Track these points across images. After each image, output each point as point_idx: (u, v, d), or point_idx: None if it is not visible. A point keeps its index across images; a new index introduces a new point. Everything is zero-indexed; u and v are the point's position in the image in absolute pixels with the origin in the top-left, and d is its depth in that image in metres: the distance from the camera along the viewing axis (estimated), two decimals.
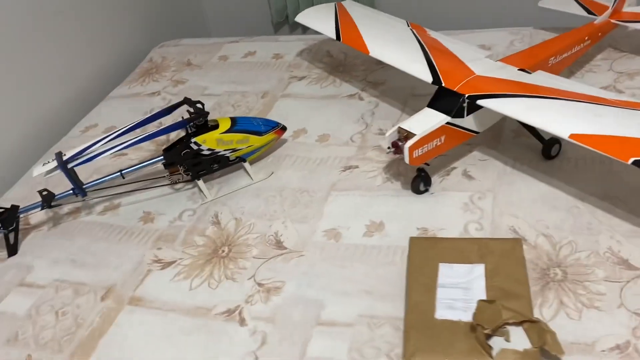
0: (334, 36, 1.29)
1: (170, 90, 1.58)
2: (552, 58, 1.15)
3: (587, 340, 0.77)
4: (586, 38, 1.22)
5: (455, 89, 1.03)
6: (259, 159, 1.25)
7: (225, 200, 1.16)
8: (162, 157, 1.14)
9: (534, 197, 1.02)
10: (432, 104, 1.04)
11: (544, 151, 1.09)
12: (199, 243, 1.06)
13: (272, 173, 1.21)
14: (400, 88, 1.39)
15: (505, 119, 1.11)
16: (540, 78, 1.04)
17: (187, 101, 1.14)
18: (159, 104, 1.52)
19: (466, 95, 1.01)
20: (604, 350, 0.75)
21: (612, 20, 1.26)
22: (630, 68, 1.28)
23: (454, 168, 1.12)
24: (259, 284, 0.95)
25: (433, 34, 1.26)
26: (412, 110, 1.31)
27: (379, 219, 1.04)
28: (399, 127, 1.01)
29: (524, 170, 1.09)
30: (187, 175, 1.17)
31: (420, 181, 1.07)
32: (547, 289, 0.85)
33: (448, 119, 1.01)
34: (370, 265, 0.95)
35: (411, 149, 0.98)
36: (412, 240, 0.90)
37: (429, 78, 1.07)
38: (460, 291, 0.78)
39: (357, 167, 1.18)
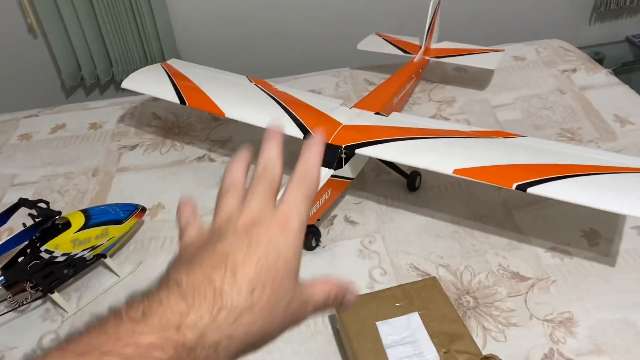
0: (176, 100, 1.19)
1: None
2: (395, 98, 1.24)
3: (521, 358, 0.83)
4: (412, 76, 1.34)
5: (329, 142, 1.03)
6: (119, 249, 1.07)
7: (93, 308, 0.97)
8: (1, 277, 0.90)
9: (417, 230, 1.08)
10: None
11: (408, 184, 1.16)
12: None
13: (141, 263, 1.05)
14: (249, 142, 1.34)
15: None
16: (398, 119, 1.11)
17: (23, 203, 0.92)
18: None
19: (343, 147, 1.02)
20: None
21: (427, 57, 1.42)
22: (445, 96, 1.45)
23: (335, 216, 1.12)
24: None
25: (278, 86, 1.25)
26: None
27: None
28: None
29: (396, 205, 1.14)
30: (36, 291, 0.94)
31: (312, 237, 1.04)
32: (467, 317, 0.90)
33: (331, 172, 1.00)
34: (297, 342, 0.88)
35: None
36: None
37: (299, 134, 1.06)
38: (409, 347, 0.77)
39: None
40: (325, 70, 1.64)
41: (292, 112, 1.10)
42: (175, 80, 1.23)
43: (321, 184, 0.98)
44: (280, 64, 1.97)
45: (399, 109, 1.28)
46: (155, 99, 1.50)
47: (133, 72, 1.32)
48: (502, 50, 1.45)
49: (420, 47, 1.42)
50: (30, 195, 1.23)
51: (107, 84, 1.97)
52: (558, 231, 1.04)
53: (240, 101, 1.16)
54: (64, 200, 1.21)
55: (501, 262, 0.99)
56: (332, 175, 1.00)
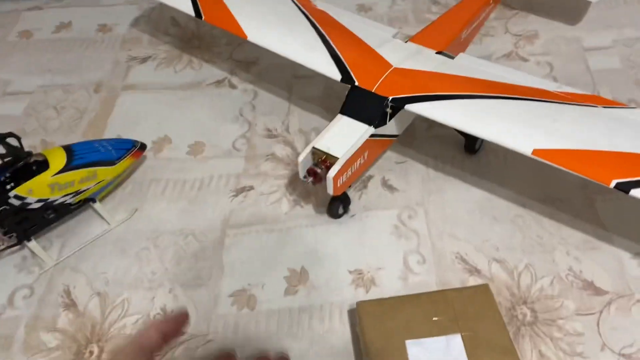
0: (191, 11, 0.96)
1: None
2: (464, 31, 0.98)
3: None
4: (490, 1, 1.06)
5: (373, 90, 0.80)
6: (113, 190, 0.92)
7: (77, 262, 0.83)
8: None
9: (469, 208, 0.87)
10: (348, 111, 0.81)
11: (466, 145, 0.93)
12: (50, 345, 0.74)
13: (137, 210, 0.89)
14: (278, 68, 1.12)
15: None
16: (466, 64, 0.86)
17: None
18: None
19: (390, 98, 0.79)
20: None
21: None
22: (526, 29, 1.17)
23: (371, 177, 0.92)
24: None
25: (319, 4, 0.99)
26: (299, 98, 1.06)
27: (298, 264, 0.81)
28: (314, 148, 0.77)
29: (448, 171, 0.92)
30: (9, 237, 0.80)
31: (338, 204, 0.85)
32: (520, 337, 0.72)
33: (371, 130, 0.79)
34: (306, 339, 0.73)
35: (336, 178, 0.75)
36: (361, 308, 0.69)
37: (336, 75, 0.83)
38: None
39: (252, 188, 0.92)
40: None
41: (332, 45, 0.87)
42: None
43: (358, 146, 0.77)
44: None
45: (467, 44, 1.02)
46: None
47: None
48: None
49: None
50: (22, 109, 1.07)
51: None
52: None
53: (269, 22, 0.93)
54: (58, 120, 1.04)
55: (572, 266, 0.79)
56: (371, 135, 0.79)
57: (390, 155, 0.95)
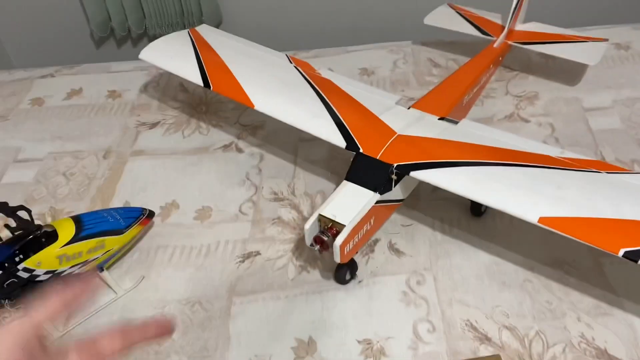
0: (200, 82, 0.99)
1: None
2: (466, 96, 1.00)
3: None
4: (490, 66, 1.09)
5: (378, 157, 0.82)
6: (119, 260, 0.92)
7: (82, 333, 0.82)
8: None
9: (478, 273, 0.87)
10: (353, 178, 0.82)
11: (472, 208, 0.94)
12: None
13: (143, 278, 0.89)
14: (284, 131, 1.13)
15: None
16: (469, 130, 0.88)
17: (1, 209, 0.76)
18: None
19: (395, 165, 0.80)
20: None
21: (509, 42, 1.15)
22: (527, 90, 1.19)
23: (377, 240, 0.92)
24: None
25: (323, 72, 1.02)
26: (305, 160, 1.08)
27: (306, 334, 0.80)
28: (320, 215, 0.78)
29: (455, 234, 0.93)
30: (17, 310, 0.80)
31: (346, 269, 0.85)
32: None
33: (377, 197, 0.80)
34: None
35: (343, 245, 0.75)
36: None
37: (341, 142, 0.85)
38: None
39: (258, 253, 0.92)
40: (383, 42, 1.40)
41: (336, 112, 0.89)
42: (202, 55, 1.02)
43: (364, 212, 0.77)
44: (334, 31, 1.72)
45: (469, 108, 1.04)
46: None
47: (166, 29, 1.12)
48: (606, 40, 1.17)
49: (503, 27, 1.16)
50: (32, 176, 1.08)
51: (140, 36, 1.79)
52: None
53: (274, 90, 0.95)
54: (68, 186, 1.06)
55: (584, 332, 0.77)
56: (377, 201, 0.80)
57: (396, 218, 0.95)
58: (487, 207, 0.94)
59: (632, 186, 0.74)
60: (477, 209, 0.93)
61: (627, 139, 1.06)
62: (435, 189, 0.98)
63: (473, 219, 0.94)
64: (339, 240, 0.75)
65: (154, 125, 1.19)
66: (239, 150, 1.11)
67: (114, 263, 0.90)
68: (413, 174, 0.79)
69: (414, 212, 0.96)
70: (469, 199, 0.92)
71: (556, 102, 1.16)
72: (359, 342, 0.79)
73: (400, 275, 0.87)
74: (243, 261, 0.91)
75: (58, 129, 1.19)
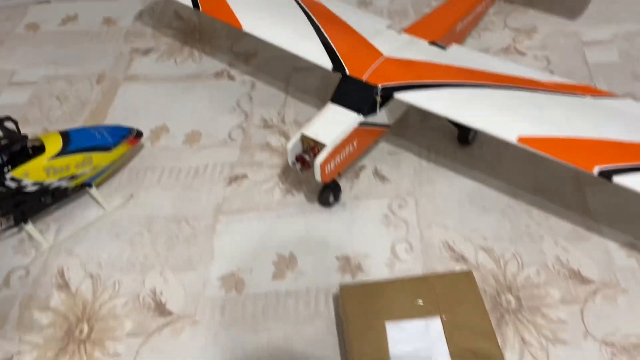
0: (189, 3, 0.98)
1: None
2: (459, 23, 0.98)
3: None
4: None
5: (363, 79, 0.81)
6: (109, 176, 0.94)
7: (71, 245, 0.85)
8: None
9: (460, 198, 0.88)
10: (338, 99, 0.82)
11: (459, 136, 0.94)
12: (42, 322, 0.76)
13: (132, 196, 0.91)
14: (277, 60, 1.13)
15: None
16: (458, 55, 0.87)
17: None
18: None
19: (380, 87, 0.80)
20: None
21: None
22: (525, 24, 1.17)
23: (363, 167, 0.93)
24: None
25: None
26: (297, 89, 1.07)
27: (287, 250, 0.82)
28: (303, 135, 0.78)
29: (440, 162, 0.93)
30: (6, 219, 0.83)
31: (329, 192, 0.86)
32: (503, 323, 0.72)
33: (360, 118, 0.80)
34: (290, 322, 0.74)
35: (323, 165, 0.76)
36: (344, 291, 0.70)
37: (327, 63, 0.84)
38: None
39: (245, 176, 0.93)
40: None
41: (325, 34, 0.88)
42: None
43: (346, 133, 0.78)
44: None
45: (463, 37, 1.02)
46: None
47: None
48: None
49: None
50: (26, 99, 1.09)
51: None
52: None
53: (264, 12, 0.94)
54: (61, 109, 1.07)
55: (560, 255, 0.79)
56: (360, 123, 0.80)
57: (383, 146, 0.96)
58: (474, 136, 0.94)
59: (615, 110, 0.74)
60: (464, 138, 0.93)
61: (624, 72, 1.04)
62: (424, 118, 0.99)
63: (460, 147, 0.94)
64: (320, 158, 0.75)
65: (147, 51, 1.19)
66: (231, 78, 1.11)
67: (103, 181, 0.92)
68: (397, 95, 0.79)
69: (402, 141, 0.96)
70: (456, 128, 0.92)
71: (554, 35, 1.14)
72: (337, 258, 0.81)
73: (383, 200, 0.88)
74: (230, 183, 0.92)
75: (53, 54, 1.19)
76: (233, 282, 0.79)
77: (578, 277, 0.76)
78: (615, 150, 0.67)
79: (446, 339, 0.64)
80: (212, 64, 1.14)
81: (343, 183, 0.90)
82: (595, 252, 0.79)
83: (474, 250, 0.80)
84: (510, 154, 0.92)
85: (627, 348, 0.68)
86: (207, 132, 1.01)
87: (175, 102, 1.07)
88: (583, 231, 0.81)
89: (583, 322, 0.71)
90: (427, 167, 0.92)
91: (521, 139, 0.70)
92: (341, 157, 0.79)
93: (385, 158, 0.94)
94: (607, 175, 0.65)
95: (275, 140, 0.99)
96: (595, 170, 0.66)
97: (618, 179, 0.65)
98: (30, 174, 0.79)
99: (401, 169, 0.92)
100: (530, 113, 0.73)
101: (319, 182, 0.82)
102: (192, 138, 1.00)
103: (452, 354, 0.62)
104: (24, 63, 1.18)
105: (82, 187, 0.88)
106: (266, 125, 1.01)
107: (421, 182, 0.90)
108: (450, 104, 0.76)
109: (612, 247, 0.79)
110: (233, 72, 1.12)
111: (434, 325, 0.65)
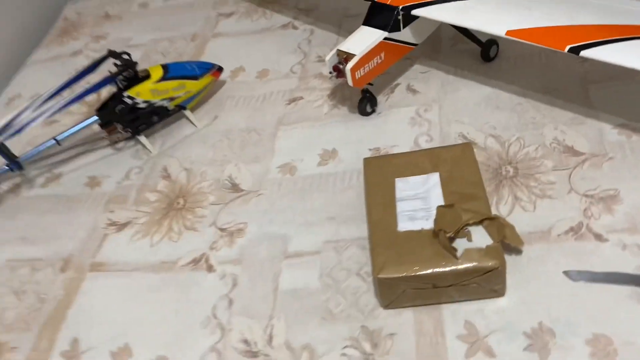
0: None
1: (92, 47, 1.48)
2: None
3: (543, 228, 0.80)
4: None
5: (388, 2, 1.00)
6: (200, 104, 1.20)
7: (172, 152, 1.12)
8: (96, 117, 1.08)
9: (477, 101, 1.03)
10: (367, 22, 1.01)
11: (482, 54, 1.09)
12: (151, 199, 1.03)
13: (216, 117, 1.17)
14: (333, 11, 1.35)
15: (441, 27, 1.11)
16: None
17: (111, 54, 1.07)
18: (83, 63, 1.42)
19: (400, 7, 0.98)
20: (559, 235, 0.79)
21: None
22: None
23: (398, 84, 1.12)
24: (221, 229, 0.94)
25: None
26: (347, 32, 1.27)
27: (330, 146, 1.03)
28: (338, 50, 0.99)
29: (465, 76, 1.09)
30: (127, 132, 1.12)
31: (366, 102, 1.06)
32: (501, 186, 0.87)
33: (385, 34, 0.99)
34: (329, 193, 0.95)
35: (353, 70, 0.96)
36: (366, 161, 0.90)
37: None
38: (419, 202, 0.79)
39: (301, 98, 1.15)
40: None
41: None
42: None
43: (372, 45, 0.97)
44: None
45: None
46: None
47: None
48: None
49: None
50: (139, 55, 1.40)
51: None
52: (637, 108, 0.92)
53: None
54: (164, 60, 1.36)
55: (558, 136, 0.92)
56: (386, 38, 0.99)
57: (416, 67, 1.14)
58: (496, 54, 1.09)
59: (593, 2, 0.87)
60: (486, 55, 1.09)
61: None
62: (456, 43, 1.16)
63: (483, 63, 1.10)
64: (350, 65, 0.96)
65: (230, 14, 1.46)
66: (294, 28, 1.35)
67: (194, 106, 1.19)
68: (414, 12, 0.97)
69: (433, 62, 1.14)
70: (479, 46, 1.08)
71: None
72: (370, 149, 1.00)
73: (412, 107, 1.06)
74: (289, 103, 1.15)
75: (158, 23, 1.50)
76: (288, 168, 1.01)
77: (571, 151, 0.89)
78: (586, 32, 0.80)
79: (442, 186, 0.81)
80: (279, 19, 1.39)
81: (380, 97, 1.09)
82: (589, 132, 0.91)
83: (484, 137, 0.96)
84: (526, 65, 1.06)
85: (604, 198, 0.81)
86: (273, 69, 1.25)
87: (250, 49, 1.32)
88: (582, 117, 0.94)
89: (569, 182, 0.85)
90: (454, 80, 1.09)
91: (509, 32, 0.85)
92: (370, 65, 0.99)
93: (417, 76, 1.12)
94: (575, 50, 0.79)
95: (326, 70, 1.20)
96: (566, 48, 0.80)
97: (584, 53, 0.78)
98: (141, 94, 1.07)
99: (430, 84, 1.10)
100: (520, 12, 0.88)
101: (355, 90, 1.02)
102: (262, 74, 1.24)
103: (444, 194, 0.79)
104: (137, 31, 1.50)
105: (179, 110, 1.15)
106: (321, 60, 1.23)
107: (446, 91, 1.07)
108: (454, 12, 0.93)
109: (606, 127, 0.91)
110: (296, 23, 1.36)
111: (433, 178, 0.82)
